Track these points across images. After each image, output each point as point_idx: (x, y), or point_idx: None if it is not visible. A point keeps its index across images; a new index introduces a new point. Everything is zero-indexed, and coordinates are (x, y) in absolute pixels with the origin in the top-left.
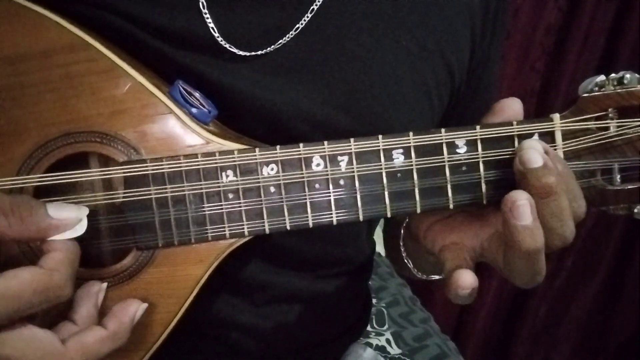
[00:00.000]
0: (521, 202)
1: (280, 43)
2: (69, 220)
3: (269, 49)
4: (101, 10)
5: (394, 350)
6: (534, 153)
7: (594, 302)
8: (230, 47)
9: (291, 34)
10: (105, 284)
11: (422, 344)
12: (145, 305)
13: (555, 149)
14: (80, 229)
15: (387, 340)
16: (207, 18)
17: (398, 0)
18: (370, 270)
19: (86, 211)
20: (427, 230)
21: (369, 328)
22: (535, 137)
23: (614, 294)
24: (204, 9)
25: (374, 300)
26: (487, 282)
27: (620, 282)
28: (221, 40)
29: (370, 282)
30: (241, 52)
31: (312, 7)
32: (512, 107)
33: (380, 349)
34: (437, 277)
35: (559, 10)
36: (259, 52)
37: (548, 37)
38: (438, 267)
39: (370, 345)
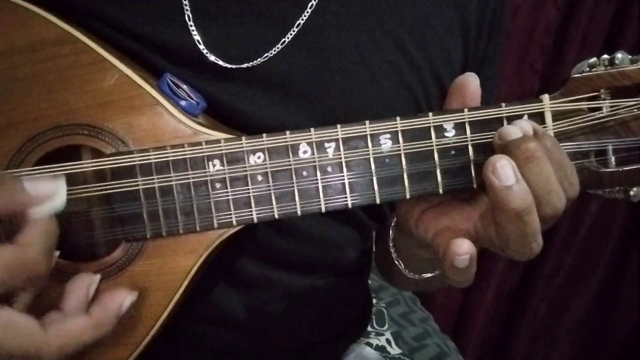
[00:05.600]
0: (501, 162)
1: (266, 57)
2: (46, 192)
3: (254, 62)
4: (89, 19)
5: (394, 350)
6: (512, 127)
7: (593, 301)
8: (216, 59)
9: (277, 48)
10: (98, 276)
11: (421, 344)
12: (134, 294)
13: (545, 130)
14: (60, 202)
15: (387, 340)
16: (193, 30)
17: (385, 15)
18: (369, 270)
19: (63, 181)
20: (418, 220)
21: (369, 328)
22: (525, 117)
23: (613, 293)
24: (189, 21)
25: (374, 301)
26: (486, 281)
27: (619, 281)
28: (207, 53)
29: (370, 282)
30: (227, 65)
31: (298, 22)
32: (466, 83)
33: (380, 349)
34: (429, 274)
35: (557, 10)
36: (245, 65)
37: (547, 36)
38: (430, 263)
39: (370, 345)
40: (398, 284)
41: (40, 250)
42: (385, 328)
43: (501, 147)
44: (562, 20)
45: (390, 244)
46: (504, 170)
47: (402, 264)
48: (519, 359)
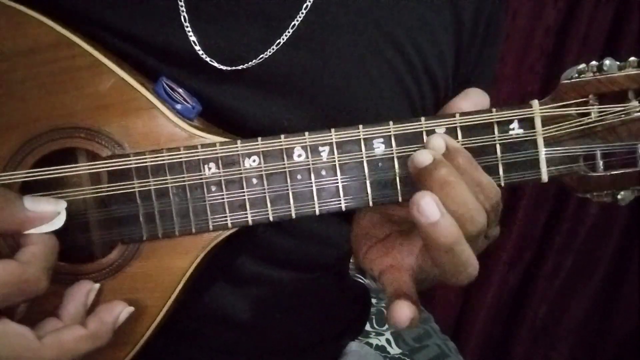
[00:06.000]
0: (425, 200)
1: (262, 57)
2: (46, 213)
3: (250, 63)
4: (85, 22)
5: (394, 350)
6: (422, 154)
7: (593, 301)
8: (211, 61)
9: (273, 49)
10: (97, 285)
11: (422, 344)
12: (130, 308)
13: (535, 135)
14: (58, 222)
15: (387, 340)
16: (189, 32)
17: (382, 15)
18: None
19: (64, 204)
20: (364, 257)
21: (369, 328)
22: (441, 130)
23: (613, 293)
24: (185, 22)
25: (374, 301)
26: (486, 282)
27: (619, 282)
28: (202, 54)
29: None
30: (223, 67)
31: (293, 22)
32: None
33: (380, 349)
34: None
35: (557, 12)
36: (241, 67)
37: (547, 38)
38: None
39: (370, 345)
40: None
41: (40, 269)
42: (385, 328)
43: (416, 176)
44: (562, 22)
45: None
46: (428, 207)
47: (372, 283)
48: (519, 359)
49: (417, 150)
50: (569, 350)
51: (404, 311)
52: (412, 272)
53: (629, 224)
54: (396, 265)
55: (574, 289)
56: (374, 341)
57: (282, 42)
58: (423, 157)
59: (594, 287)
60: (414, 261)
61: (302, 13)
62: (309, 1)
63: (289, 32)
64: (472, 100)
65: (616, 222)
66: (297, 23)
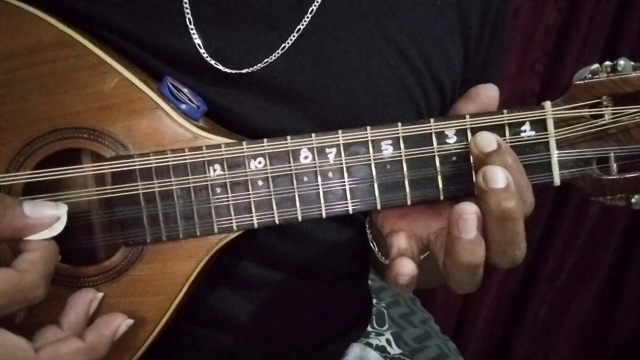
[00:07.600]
0: (468, 215)
1: (267, 62)
2: (47, 218)
3: (255, 67)
4: (89, 22)
5: (394, 350)
6: (487, 137)
7: (594, 303)
8: (216, 64)
9: (277, 53)
10: (100, 294)
11: (422, 345)
12: (130, 321)
13: (547, 137)
14: (58, 227)
15: (387, 341)
16: (194, 34)
17: (386, 19)
18: (369, 271)
19: (65, 208)
20: (378, 213)
21: (369, 328)
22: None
23: (614, 295)
24: (190, 24)
25: (374, 301)
26: (487, 283)
27: (620, 283)
28: (207, 57)
29: (370, 283)
30: (227, 70)
31: (298, 27)
32: (487, 94)
33: (381, 349)
34: None
35: (558, 12)
36: (245, 71)
37: (548, 38)
38: None
39: (370, 345)
40: (380, 274)
41: (38, 276)
42: (385, 328)
43: (477, 158)
44: (563, 22)
45: (367, 225)
46: (469, 224)
47: (376, 247)
48: None
49: (425, 151)
50: (570, 351)
51: (407, 264)
52: (420, 244)
53: (630, 225)
54: (408, 231)
55: (574, 290)
56: (374, 341)
57: (287, 46)
58: (489, 141)
59: (595, 289)
60: (425, 236)
61: (307, 18)
62: (314, 6)
63: (293, 36)
64: (480, 100)
65: (617, 224)
66: (302, 28)
